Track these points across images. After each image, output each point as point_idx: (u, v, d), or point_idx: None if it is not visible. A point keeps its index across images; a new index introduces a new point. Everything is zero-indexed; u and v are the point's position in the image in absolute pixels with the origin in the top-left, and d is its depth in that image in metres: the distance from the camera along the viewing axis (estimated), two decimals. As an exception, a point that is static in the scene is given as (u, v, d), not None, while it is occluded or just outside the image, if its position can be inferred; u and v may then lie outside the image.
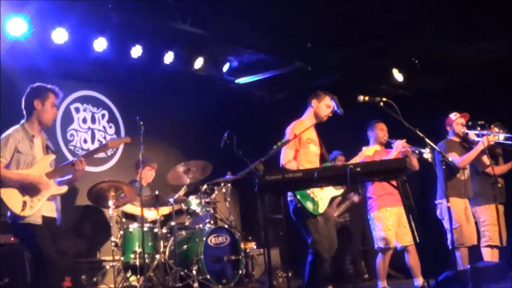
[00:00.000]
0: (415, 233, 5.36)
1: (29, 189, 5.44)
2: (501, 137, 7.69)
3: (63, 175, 5.80)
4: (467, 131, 7.70)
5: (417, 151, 7.53)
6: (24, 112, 5.73)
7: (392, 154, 7.40)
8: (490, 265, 6.64)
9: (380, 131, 7.73)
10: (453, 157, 7.42)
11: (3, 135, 5.55)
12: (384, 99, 6.02)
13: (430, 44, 9.50)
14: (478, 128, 7.63)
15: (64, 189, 5.76)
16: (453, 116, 7.80)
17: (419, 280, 7.55)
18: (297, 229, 6.35)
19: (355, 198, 9.16)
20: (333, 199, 6.53)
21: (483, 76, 9.97)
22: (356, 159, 6.75)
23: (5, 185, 5.37)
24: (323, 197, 6.26)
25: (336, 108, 6.27)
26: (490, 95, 9.70)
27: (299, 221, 6.22)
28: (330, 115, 6.51)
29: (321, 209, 6.20)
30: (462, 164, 7.46)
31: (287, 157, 6.29)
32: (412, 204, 5.66)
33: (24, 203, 5.38)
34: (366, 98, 6.12)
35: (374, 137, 7.74)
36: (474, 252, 7.87)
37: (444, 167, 7.31)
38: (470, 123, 7.75)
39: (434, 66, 9.98)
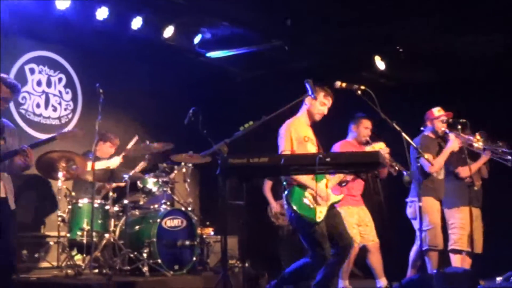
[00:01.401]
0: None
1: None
2: (480, 145, 7.77)
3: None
4: (447, 131, 7.77)
5: (396, 168, 7.54)
6: None
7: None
8: (458, 272, 6.73)
9: (364, 129, 7.76)
10: (427, 159, 7.47)
11: None
12: (362, 87, 6.06)
13: (417, 34, 9.55)
14: (459, 127, 7.71)
15: None
16: (437, 112, 7.84)
17: (382, 281, 7.65)
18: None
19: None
20: (332, 205, 6.47)
21: (470, 71, 10.08)
22: None
23: None
24: (321, 203, 6.20)
25: (310, 93, 6.26)
26: (476, 91, 9.83)
27: (298, 229, 6.26)
28: (325, 113, 6.49)
29: (319, 218, 6.13)
30: (433, 170, 7.54)
31: None
32: (381, 200, 5.73)
33: None
34: (344, 84, 6.16)
35: (356, 133, 7.76)
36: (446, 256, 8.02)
37: (419, 164, 7.40)
38: (450, 120, 7.83)
39: (419, 57, 10.05)
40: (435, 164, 7.54)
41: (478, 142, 7.77)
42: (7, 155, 5.99)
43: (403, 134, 6.60)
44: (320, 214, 6.15)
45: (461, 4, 8.50)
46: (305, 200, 6.14)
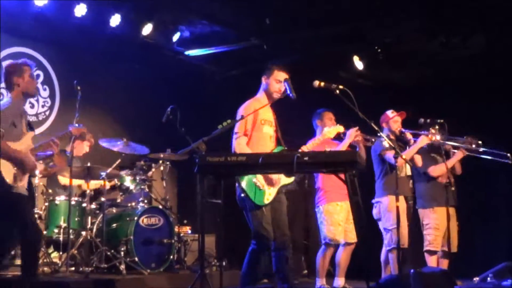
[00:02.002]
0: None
1: (19, 163, 5.80)
2: (438, 137, 7.82)
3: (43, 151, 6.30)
4: (403, 130, 7.83)
5: (373, 139, 7.60)
6: (6, 89, 6.13)
7: (345, 143, 7.40)
8: (435, 272, 6.74)
9: (329, 120, 7.76)
10: (389, 155, 7.53)
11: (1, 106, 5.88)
12: (340, 86, 6.06)
13: (396, 34, 9.57)
14: (436, 127, 7.76)
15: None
16: (390, 113, 7.92)
17: (340, 280, 7.66)
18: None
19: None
20: (283, 187, 6.48)
21: (449, 72, 10.14)
22: (315, 142, 6.79)
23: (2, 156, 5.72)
24: (271, 185, 6.24)
25: (288, 92, 6.25)
26: (452, 91, 9.88)
27: (244, 210, 6.23)
28: (282, 90, 6.45)
29: (267, 200, 6.14)
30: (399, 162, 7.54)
31: (240, 145, 6.23)
32: (359, 200, 5.73)
33: (15, 175, 5.77)
34: (322, 83, 6.15)
35: (323, 127, 7.77)
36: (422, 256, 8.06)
37: (385, 164, 7.48)
38: (428, 120, 7.87)
39: (397, 58, 10.08)
40: (407, 156, 7.54)
41: (434, 135, 7.79)
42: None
43: (381, 133, 6.64)
44: (269, 196, 6.16)
45: (439, 5, 8.53)
46: (255, 181, 6.11)
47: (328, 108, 7.85)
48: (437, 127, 7.81)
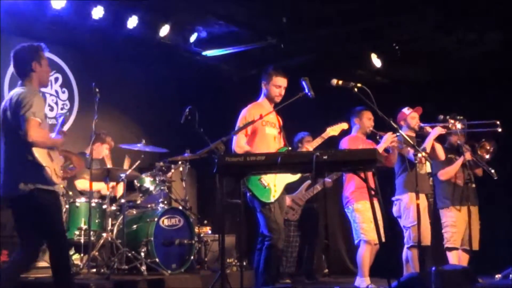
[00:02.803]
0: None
1: (55, 157, 5.60)
2: (458, 126, 7.79)
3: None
4: (422, 124, 7.80)
5: (408, 148, 7.52)
6: (18, 75, 5.67)
7: (380, 147, 7.33)
8: (456, 269, 6.70)
9: (368, 120, 7.73)
10: (409, 151, 7.51)
11: (31, 96, 5.39)
12: (358, 84, 6.04)
13: (414, 31, 9.53)
14: (442, 117, 7.75)
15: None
16: (406, 110, 7.90)
17: (366, 281, 7.60)
18: (256, 216, 6.37)
19: (328, 183, 8.94)
20: (289, 185, 6.52)
21: (466, 69, 10.06)
22: (318, 141, 6.81)
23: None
24: (276, 183, 6.27)
25: (306, 91, 6.25)
26: (471, 88, 9.82)
27: (254, 209, 6.28)
28: (282, 94, 6.51)
29: (273, 197, 6.23)
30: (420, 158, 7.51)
31: (239, 143, 6.32)
32: (380, 199, 5.71)
33: (54, 170, 5.51)
34: (340, 82, 6.14)
35: (360, 125, 7.74)
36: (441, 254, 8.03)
37: (405, 161, 7.44)
38: (442, 117, 7.84)
39: (415, 55, 10.02)
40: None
41: (455, 125, 7.77)
42: None
43: (400, 131, 6.61)
44: (275, 193, 6.25)
45: (455, 1, 8.47)
46: (261, 180, 6.20)
47: (344, 108, 7.82)
48: (457, 117, 7.79)
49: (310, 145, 6.81)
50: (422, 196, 7.49)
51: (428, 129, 7.75)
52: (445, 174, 8.12)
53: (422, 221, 7.31)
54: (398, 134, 7.11)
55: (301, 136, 8.97)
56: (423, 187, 7.55)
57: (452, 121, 7.77)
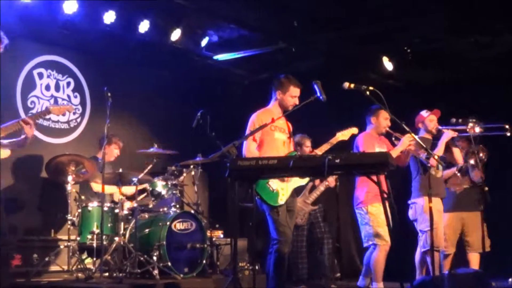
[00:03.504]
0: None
1: None
2: (477, 130, 7.77)
3: (9, 136, 5.80)
4: (440, 127, 7.78)
5: (425, 153, 7.49)
6: None
7: (397, 149, 7.28)
8: (469, 273, 6.69)
9: (384, 120, 7.64)
10: (423, 155, 7.46)
11: None
12: (370, 88, 6.03)
13: (425, 34, 9.50)
14: (470, 125, 7.69)
15: (6, 153, 5.77)
16: (425, 113, 7.89)
17: (380, 285, 7.56)
18: (266, 221, 6.37)
19: (331, 182, 8.87)
20: (298, 189, 6.53)
21: (478, 71, 10.03)
22: (326, 146, 6.81)
23: None
24: (284, 187, 6.27)
25: (318, 94, 6.24)
26: (485, 91, 9.78)
27: (263, 213, 6.28)
28: (297, 103, 6.51)
29: (281, 200, 6.23)
30: (432, 162, 7.48)
31: (249, 148, 6.33)
32: (392, 202, 5.69)
33: None
34: (352, 85, 6.14)
35: (376, 124, 7.68)
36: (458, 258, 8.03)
37: (419, 164, 7.41)
38: (460, 120, 7.81)
39: (427, 58, 10.00)
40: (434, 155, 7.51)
41: (473, 128, 7.75)
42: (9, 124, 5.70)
43: (413, 134, 6.59)
44: (283, 196, 6.24)
45: (467, 3, 8.44)
46: (270, 183, 6.20)
47: (356, 112, 7.81)
48: (475, 120, 7.77)
49: (318, 150, 6.81)
50: (438, 200, 7.48)
51: (445, 131, 7.73)
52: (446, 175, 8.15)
53: (437, 225, 7.31)
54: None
55: (297, 138, 8.80)
56: (439, 191, 7.54)
57: (471, 124, 7.74)
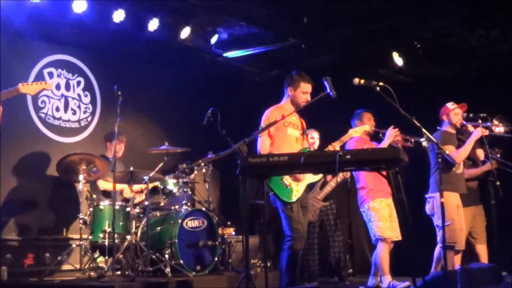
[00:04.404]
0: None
1: None
2: (501, 129, 7.74)
3: None
4: (464, 122, 7.73)
5: (412, 140, 7.54)
6: None
7: (385, 143, 7.38)
8: (482, 268, 6.67)
9: (368, 120, 7.75)
10: (450, 150, 7.42)
11: None
12: (380, 83, 6.03)
13: (435, 29, 9.48)
14: (479, 121, 7.64)
15: None
16: (451, 105, 7.80)
17: (387, 278, 7.56)
18: (280, 217, 6.38)
19: (340, 177, 8.74)
20: (311, 185, 6.55)
21: (490, 66, 9.99)
22: (337, 143, 6.82)
23: None
24: (298, 183, 6.29)
25: (328, 90, 6.25)
26: (496, 86, 9.73)
27: (277, 209, 6.29)
28: (309, 99, 6.53)
29: (295, 196, 6.26)
30: (459, 159, 7.48)
31: (264, 145, 6.38)
32: (403, 197, 5.68)
33: None
34: (362, 81, 6.15)
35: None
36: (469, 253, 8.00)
37: (439, 159, 7.35)
38: (471, 115, 7.77)
39: (437, 53, 9.97)
40: (461, 153, 7.47)
41: (498, 127, 7.73)
42: None
43: (423, 130, 6.57)
44: (297, 193, 6.28)
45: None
46: (283, 180, 6.24)
47: (366, 108, 7.82)
48: (499, 117, 7.75)
49: (331, 147, 6.82)
50: (457, 195, 7.49)
51: (470, 128, 7.65)
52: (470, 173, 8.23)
53: (456, 220, 7.32)
54: (421, 138, 7.10)
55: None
56: (459, 186, 7.54)
57: (496, 122, 7.72)
